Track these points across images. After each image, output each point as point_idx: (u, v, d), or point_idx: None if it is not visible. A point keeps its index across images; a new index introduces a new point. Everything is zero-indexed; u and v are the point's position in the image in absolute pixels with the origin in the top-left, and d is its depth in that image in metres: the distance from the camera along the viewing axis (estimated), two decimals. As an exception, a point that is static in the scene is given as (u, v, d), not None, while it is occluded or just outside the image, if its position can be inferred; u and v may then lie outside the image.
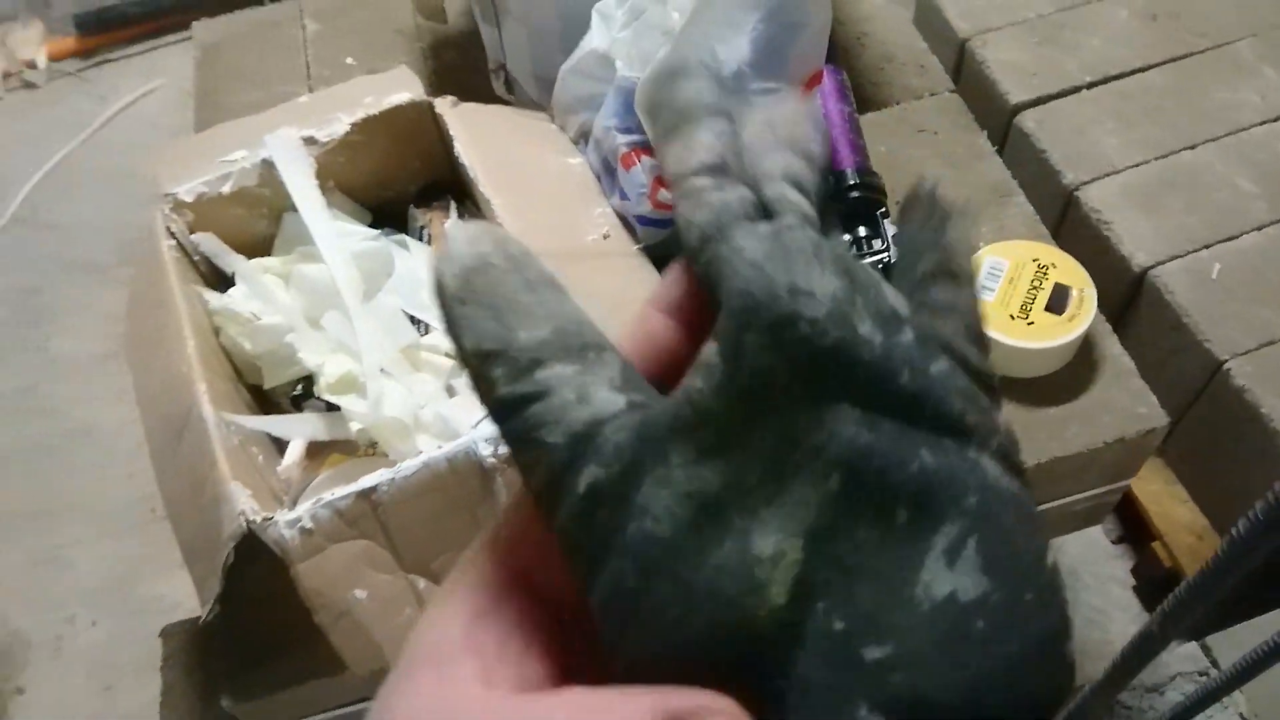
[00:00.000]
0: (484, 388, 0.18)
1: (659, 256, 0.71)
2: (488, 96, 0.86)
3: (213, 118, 0.86)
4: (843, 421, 0.17)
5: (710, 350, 0.18)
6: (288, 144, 0.69)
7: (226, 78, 0.92)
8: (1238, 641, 0.90)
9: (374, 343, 0.65)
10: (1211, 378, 0.90)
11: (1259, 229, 0.95)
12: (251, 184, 0.70)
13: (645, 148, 0.68)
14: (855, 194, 0.74)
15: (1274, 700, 0.85)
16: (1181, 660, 0.88)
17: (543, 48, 0.79)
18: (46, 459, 1.38)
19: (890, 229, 0.74)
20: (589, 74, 0.72)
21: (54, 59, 1.86)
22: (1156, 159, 1.00)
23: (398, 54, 0.93)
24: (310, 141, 0.70)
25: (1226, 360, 0.88)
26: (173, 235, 0.68)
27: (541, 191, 0.69)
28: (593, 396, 0.18)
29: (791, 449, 0.17)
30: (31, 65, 1.85)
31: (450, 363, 0.68)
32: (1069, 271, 0.70)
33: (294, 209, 0.71)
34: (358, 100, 0.73)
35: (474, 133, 0.70)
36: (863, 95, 0.87)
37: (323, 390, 0.64)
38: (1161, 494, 1.00)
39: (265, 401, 0.71)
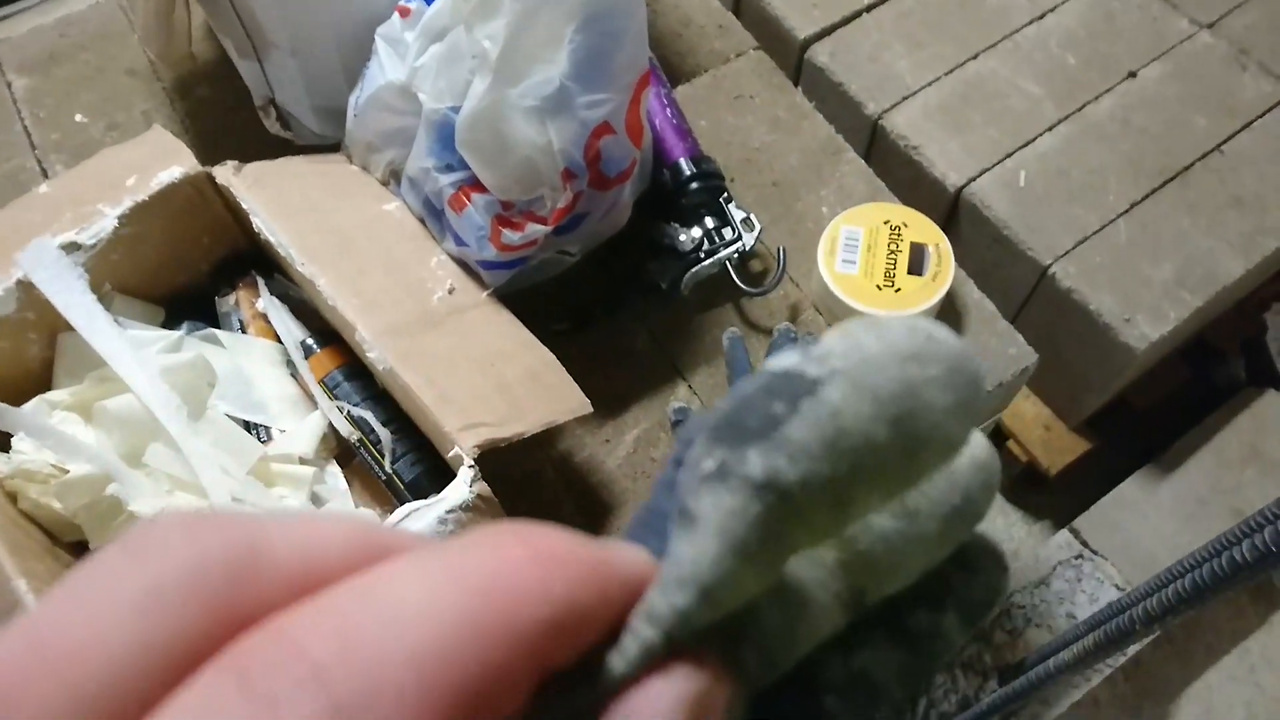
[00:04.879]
0: None
1: (508, 296, 0.65)
2: (257, 134, 0.75)
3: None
4: None
5: None
6: (46, 259, 0.57)
7: (-75, 164, 0.76)
8: (1101, 520, 0.96)
9: (216, 470, 0.56)
10: (1039, 282, 0.94)
11: (1050, 129, 0.99)
12: (10, 312, 0.58)
13: (474, 185, 0.61)
14: (695, 185, 0.70)
15: (1144, 569, 0.92)
16: (1057, 550, 0.94)
17: (321, 78, 0.69)
18: None
19: (738, 213, 0.71)
20: (389, 107, 0.63)
21: None
22: (946, 74, 1.02)
23: (136, 100, 0.80)
24: (73, 248, 0.58)
25: (1050, 264, 0.92)
26: (-78, 398, 0.56)
27: (368, 254, 0.61)
28: None
29: None
30: None
31: (310, 469, 0.60)
32: (920, 228, 0.70)
33: (71, 327, 0.59)
34: (116, 181, 0.62)
35: (271, 201, 0.60)
36: (669, 67, 0.82)
37: (169, 541, 0.55)
38: (1006, 393, 1.05)
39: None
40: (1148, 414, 1.04)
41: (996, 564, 0.16)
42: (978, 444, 0.14)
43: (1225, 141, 0.97)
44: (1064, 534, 0.96)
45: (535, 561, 0.12)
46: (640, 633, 0.12)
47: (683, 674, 0.11)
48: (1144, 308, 0.89)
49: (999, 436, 1.09)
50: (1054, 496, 1.08)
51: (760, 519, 0.11)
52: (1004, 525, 1.10)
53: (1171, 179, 0.95)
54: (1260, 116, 0.98)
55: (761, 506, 0.11)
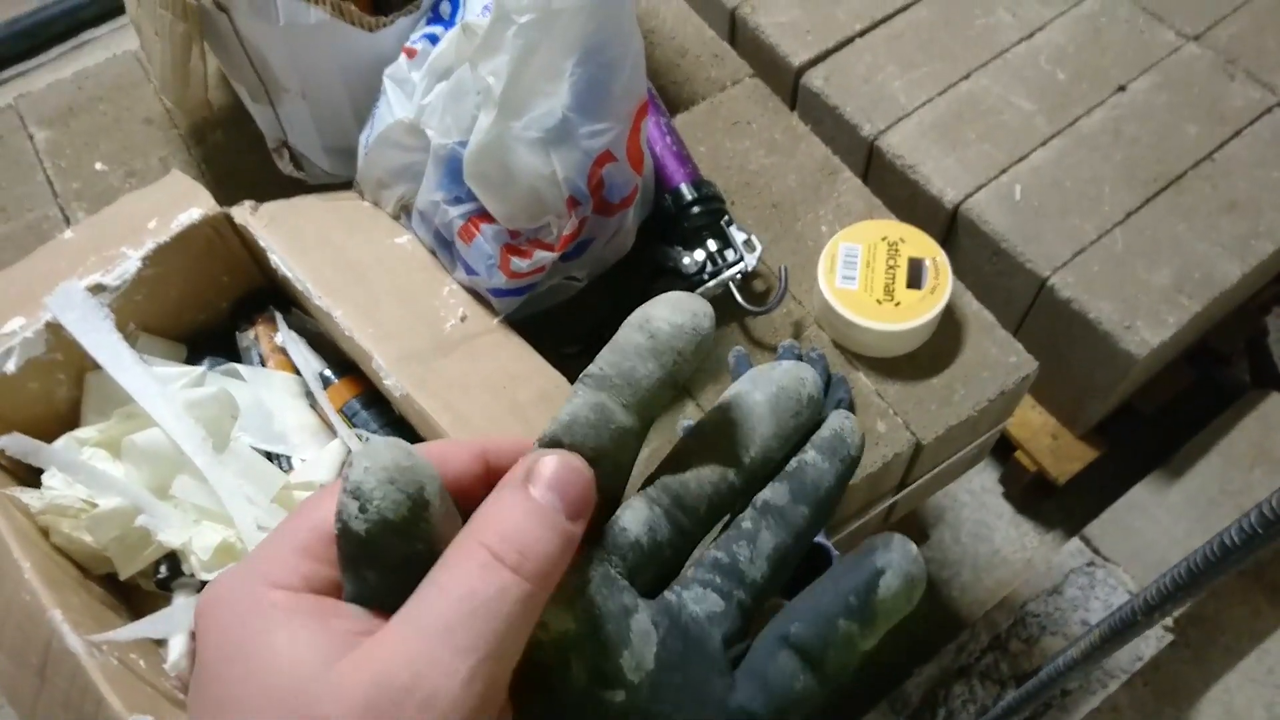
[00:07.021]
0: None
1: (519, 322, 0.66)
2: (271, 175, 0.78)
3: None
4: None
5: None
6: (74, 301, 0.59)
7: (-48, 215, 0.79)
8: (1112, 527, 0.97)
9: (242, 499, 0.58)
10: (1039, 293, 0.96)
11: (1044, 143, 1.01)
12: (39, 353, 0.60)
13: (482, 215, 0.63)
14: (696, 209, 0.72)
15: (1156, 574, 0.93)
16: (1069, 557, 0.95)
17: (331, 120, 0.72)
18: None
19: (739, 234, 0.72)
20: (398, 144, 0.66)
21: None
22: (940, 94, 1.04)
23: (154, 148, 0.82)
24: (99, 289, 0.61)
25: (1049, 275, 0.94)
26: (-42, 438, 0.58)
27: (382, 286, 0.63)
28: None
29: None
30: None
31: (330, 496, 0.61)
32: (917, 243, 0.71)
33: (97, 366, 0.61)
34: (138, 225, 0.64)
35: (288, 238, 0.63)
36: (667, 97, 0.84)
37: (198, 569, 0.57)
38: (1012, 404, 1.07)
39: (122, 588, 0.62)
40: (1154, 419, 1.05)
41: (836, 427, 0.26)
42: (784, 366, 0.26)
43: (1217, 149, 0.99)
44: (1075, 542, 0.96)
45: (484, 443, 0.25)
46: (537, 439, 0.23)
47: (554, 452, 0.22)
48: (1143, 314, 0.91)
49: (1007, 447, 1.10)
50: (1064, 504, 1.09)
51: (586, 390, 0.23)
52: (1016, 535, 1.11)
53: (1165, 187, 0.97)
54: (1250, 123, 0.99)
55: (584, 385, 0.23)
